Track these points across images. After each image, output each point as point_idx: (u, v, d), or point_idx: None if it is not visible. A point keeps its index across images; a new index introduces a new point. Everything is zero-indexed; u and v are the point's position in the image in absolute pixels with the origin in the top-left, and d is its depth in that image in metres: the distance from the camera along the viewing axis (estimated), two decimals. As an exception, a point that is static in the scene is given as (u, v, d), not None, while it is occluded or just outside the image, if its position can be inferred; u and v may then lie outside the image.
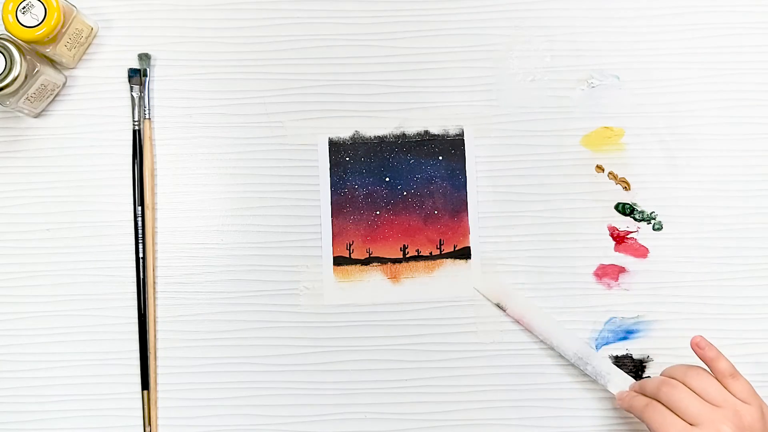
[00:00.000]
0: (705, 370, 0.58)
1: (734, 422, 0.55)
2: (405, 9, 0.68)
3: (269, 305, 0.66)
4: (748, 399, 0.56)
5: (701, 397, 0.56)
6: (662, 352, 0.65)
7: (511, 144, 0.67)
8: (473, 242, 0.66)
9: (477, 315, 0.65)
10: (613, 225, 0.66)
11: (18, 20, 0.61)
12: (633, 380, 0.62)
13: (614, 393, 0.62)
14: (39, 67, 0.62)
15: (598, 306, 0.66)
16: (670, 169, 0.67)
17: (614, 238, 0.66)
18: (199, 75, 0.68)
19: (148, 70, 0.67)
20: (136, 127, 0.66)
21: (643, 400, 0.59)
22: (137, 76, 0.66)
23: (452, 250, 0.66)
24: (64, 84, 0.67)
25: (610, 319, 0.66)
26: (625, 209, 0.66)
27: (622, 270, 0.66)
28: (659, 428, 0.56)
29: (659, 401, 0.57)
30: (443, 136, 0.67)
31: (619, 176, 0.67)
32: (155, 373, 0.65)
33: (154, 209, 0.66)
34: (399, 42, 0.68)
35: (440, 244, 0.66)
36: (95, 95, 0.67)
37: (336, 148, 0.67)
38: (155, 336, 0.65)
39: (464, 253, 0.66)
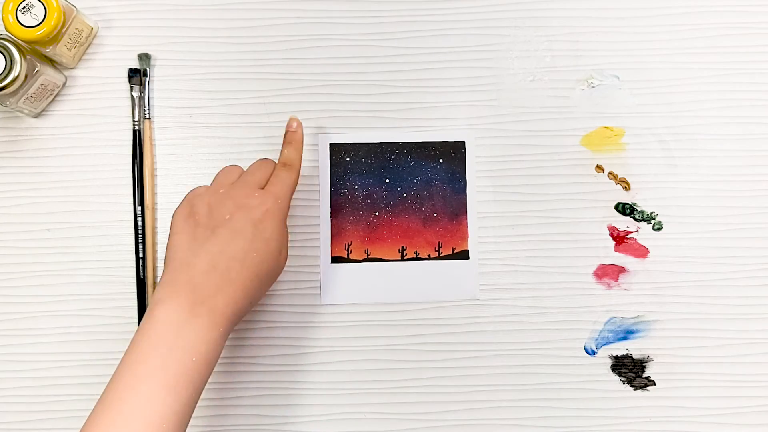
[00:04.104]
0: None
1: (217, 197, 0.57)
2: (405, 9, 0.68)
3: (268, 305, 0.66)
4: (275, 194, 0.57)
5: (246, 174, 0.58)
6: (662, 352, 0.65)
7: (511, 144, 0.67)
8: (472, 243, 0.66)
9: (478, 315, 0.66)
10: (613, 225, 0.66)
11: (18, 20, 0.61)
12: None
13: None
14: (39, 67, 0.62)
15: (598, 306, 0.66)
16: (670, 169, 0.67)
17: (614, 238, 0.66)
18: (199, 75, 0.67)
19: (148, 70, 0.67)
20: (136, 127, 0.66)
21: None
22: (137, 76, 0.66)
23: (450, 253, 0.66)
24: (64, 84, 0.67)
25: (610, 319, 0.66)
26: (625, 209, 0.66)
27: (622, 270, 0.66)
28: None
29: None
30: (444, 139, 0.67)
31: (619, 176, 0.67)
32: (155, 372, 0.65)
33: (154, 209, 0.66)
34: (399, 42, 0.68)
35: (439, 247, 0.66)
36: (95, 95, 0.67)
37: (336, 148, 0.67)
38: (155, 336, 0.65)
39: (462, 257, 0.66)
